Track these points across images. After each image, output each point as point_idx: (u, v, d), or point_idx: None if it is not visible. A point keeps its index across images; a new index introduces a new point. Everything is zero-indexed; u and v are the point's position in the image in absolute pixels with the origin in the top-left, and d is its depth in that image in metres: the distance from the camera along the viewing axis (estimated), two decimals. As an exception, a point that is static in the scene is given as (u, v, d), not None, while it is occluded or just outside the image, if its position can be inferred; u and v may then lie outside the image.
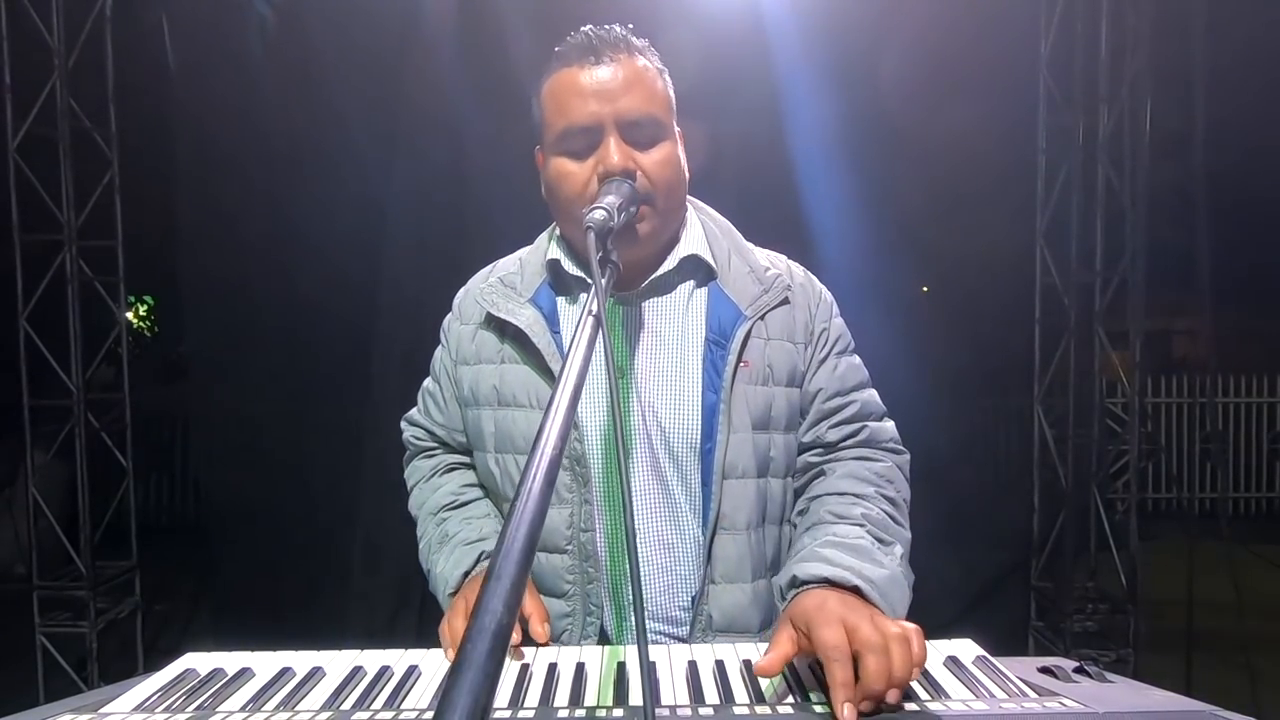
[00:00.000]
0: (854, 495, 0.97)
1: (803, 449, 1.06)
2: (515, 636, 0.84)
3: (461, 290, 1.15)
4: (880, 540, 0.90)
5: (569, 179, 0.95)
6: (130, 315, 3.57)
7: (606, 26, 0.95)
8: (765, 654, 0.74)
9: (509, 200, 2.85)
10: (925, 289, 3.33)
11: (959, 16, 2.96)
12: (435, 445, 1.19)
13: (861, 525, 0.91)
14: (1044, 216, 3.28)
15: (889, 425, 1.09)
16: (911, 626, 0.71)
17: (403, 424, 1.23)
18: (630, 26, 0.97)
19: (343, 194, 3.00)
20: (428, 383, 1.19)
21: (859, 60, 2.98)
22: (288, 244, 3.03)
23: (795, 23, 2.90)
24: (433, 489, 1.14)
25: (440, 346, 1.16)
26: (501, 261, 1.14)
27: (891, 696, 0.67)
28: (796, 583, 0.83)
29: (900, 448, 1.09)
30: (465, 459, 1.17)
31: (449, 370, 1.12)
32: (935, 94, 2.99)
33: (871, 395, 1.09)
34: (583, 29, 0.96)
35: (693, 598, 0.99)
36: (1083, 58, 3.12)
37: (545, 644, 0.87)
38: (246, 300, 3.12)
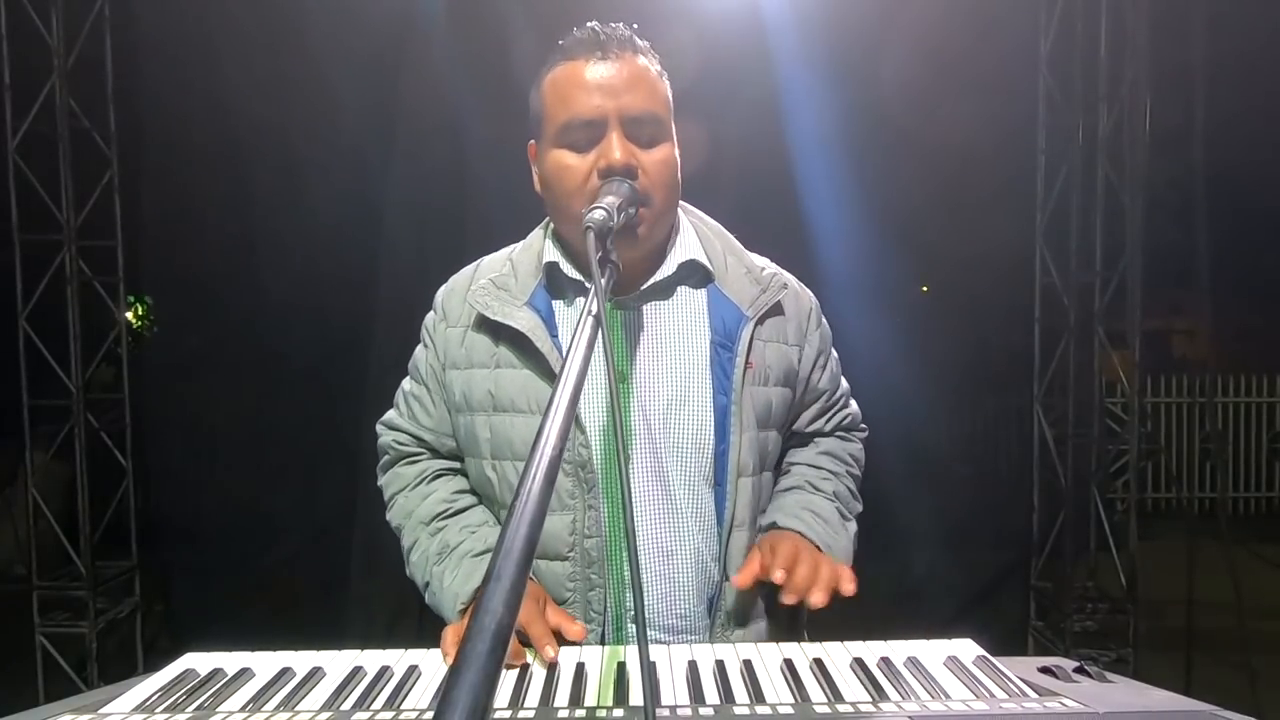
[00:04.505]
0: (828, 471, 1.15)
1: (796, 431, 1.17)
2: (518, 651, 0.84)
3: (443, 289, 1.09)
4: (843, 515, 1.10)
5: (568, 172, 0.93)
6: (130, 315, 3.56)
7: (611, 25, 0.95)
8: (740, 570, 0.95)
9: (509, 201, 2.85)
10: (925, 289, 3.33)
11: (959, 16, 2.96)
12: (420, 450, 1.13)
13: (833, 501, 1.10)
14: (1044, 216, 3.28)
15: (855, 406, 1.24)
16: (845, 569, 0.93)
17: (379, 428, 1.16)
18: (635, 27, 0.97)
19: (342, 194, 3.00)
20: (408, 385, 1.13)
21: (859, 60, 2.97)
22: (288, 243, 3.03)
23: (795, 23, 2.90)
24: (421, 496, 1.08)
25: (422, 347, 1.10)
26: (486, 260, 1.10)
27: (814, 599, 0.89)
28: (777, 526, 1.04)
29: (864, 427, 1.26)
30: (453, 464, 1.12)
31: (436, 374, 1.07)
32: (935, 94, 2.99)
33: (845, 382, 1.22)
34: (588, 25, 0.95)
35: (710, 599, 1.01)
36: (1083, 58, 3.11)
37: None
38: (245, 300, 3.12)
